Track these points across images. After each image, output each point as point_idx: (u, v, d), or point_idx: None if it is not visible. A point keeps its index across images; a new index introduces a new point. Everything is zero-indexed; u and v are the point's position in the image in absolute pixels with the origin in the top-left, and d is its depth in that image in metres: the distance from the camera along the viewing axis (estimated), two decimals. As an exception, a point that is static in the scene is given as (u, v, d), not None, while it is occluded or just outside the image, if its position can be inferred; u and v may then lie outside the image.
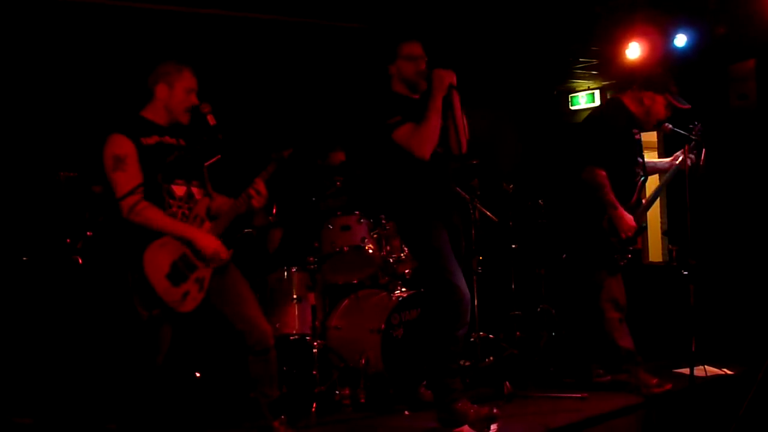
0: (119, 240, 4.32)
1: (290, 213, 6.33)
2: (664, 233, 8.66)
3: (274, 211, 6.20)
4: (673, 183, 5.88)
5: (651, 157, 6.42)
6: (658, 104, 5.69)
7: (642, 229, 5.78)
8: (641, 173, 5.78)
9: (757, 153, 6.93)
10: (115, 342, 4.98)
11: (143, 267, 4.18)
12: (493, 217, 6.61)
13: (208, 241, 4.35)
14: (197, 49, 5.98)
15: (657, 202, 8.62)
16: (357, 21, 6.94)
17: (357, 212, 6.05)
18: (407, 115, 4.73)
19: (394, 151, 4.76)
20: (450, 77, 4.73)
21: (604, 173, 5.52)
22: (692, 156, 5.72)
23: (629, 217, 5.58)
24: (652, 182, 6.00)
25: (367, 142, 5.06)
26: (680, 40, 7.03)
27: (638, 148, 5.77)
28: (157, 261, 4.23)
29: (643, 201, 5.81)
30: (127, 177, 4.22)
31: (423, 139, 4.67)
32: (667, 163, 5.96)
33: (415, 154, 4.68)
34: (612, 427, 5.22)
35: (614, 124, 5.67)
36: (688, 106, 5.71)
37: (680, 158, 5.76)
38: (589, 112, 6.46)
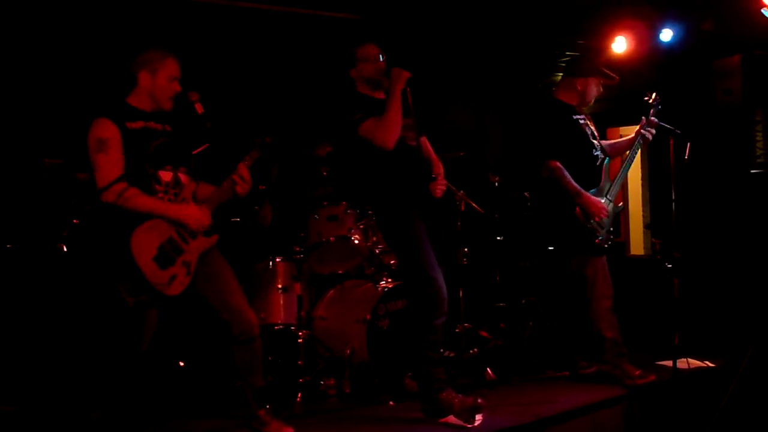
0: (106, 225, 4.30)
1: (276, 203, 6.32)
2: (646, 227, 8.68)
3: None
4: (657, 177, 5.95)
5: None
6: (591, 86, 5.85)
7: (619, 209, 5.84)
8: (602, 156, 5.85)
9: (741, 148, 6.97)
10: (100, 329, 4.96)
11: (130, 250, 4.17)
12: (479, 209, 6.60)
13: (188, 212, 4.36)
14: (186, 38, 5.96)
15: (639, 196, 8.68)
16: (346, 11, 6.93)
17: (344, 203, 6.05)
18: (369, 112, 4.87)
19: (362, 146, 4.88)
20: (407, 74, 4.85)
21: (558, 164, 5.62)
22: (651, 130, 5.85)
23: (596, 200, 5.65)
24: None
25: (341, 138, 5.16)
26: (666, 34, 7.06)
27: (589, 134, 5.86)
28: (144, 244, 4.22)
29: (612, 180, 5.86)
30: (109, 160, 4.21)
31: (385, 130, 4.80)
32: (626, 140, 6.05)
33: (378, 143, 4.81)
34: (596, 418, 5.26)
35: (551, 120, 5.77)
36: (617, 78, 5.86)
37: (641, 133, 5.87)
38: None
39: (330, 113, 5.22)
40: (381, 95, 5.00)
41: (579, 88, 5.85)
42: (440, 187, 5.06)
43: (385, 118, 4.81)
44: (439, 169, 5.14)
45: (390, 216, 4.97)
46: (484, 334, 6.64)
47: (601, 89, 5.92)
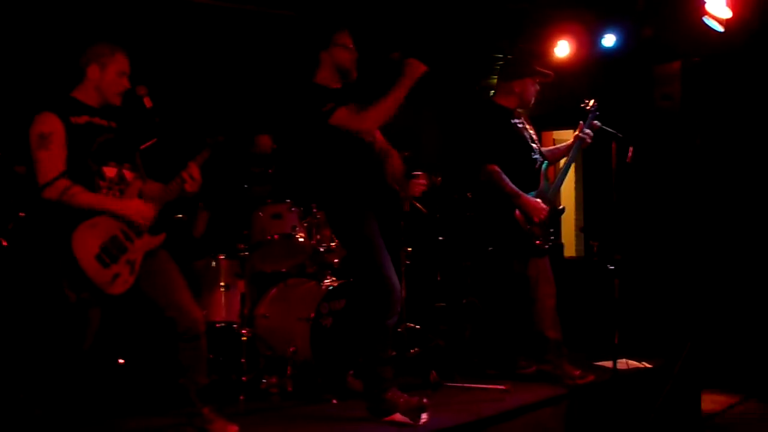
0: (47, 221, 4.22)
1: (220, 199, 6.26)
2: (581, 230, 8.81)
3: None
4: (592, 180, 6.03)
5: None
6: (529, 86, 5.87)
7: (558, 211, 5.91)
8: (540, 159, 5.92)
9: (679, 152, 7.12)
10: (42, 325, 4.85)
11: (72, 248, 4.11)
12: (423, 209, 6.62)
13: (131, 206, 4.30)
14: (130, 31, 5.87)
15: (572, 199, 8.81)
16: (285, 9, 6.92)
17: (288, 200, 6.01)
18: (339, 101, 4.76)
19: (331, 138, 4.77)
20: (424, 68, 4.78)
21: (496, 168, 5.67)
22: (589, 134, 5.91)
23: (536, 201, 5.71)
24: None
25: (299, 133, 5.02)
26: (608, 39, 7.18)
27: (527, 137, 5.90)
28: (87, 242, 4.16)
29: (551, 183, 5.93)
30: (51, 156, 4.14)
31: (377, 115, 4.72)
32: (565, 146, 6.12)
33: (360, 126, 4.72)
34: (537, 417, 5.31)
35: (488, 124, 5.82)
36: (551, 74, 5.90)
37: (579, 137, 5.93)
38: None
39: (287, 104, 5.10)
40: (338, 85, 4.92)
41: (517, 90, 5.86)
42: (420, 186, 5.02)
43: (384, 104, 4.71)
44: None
45: (344, 214, 4.89)
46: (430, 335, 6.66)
47: (539, 88, 5.94)
